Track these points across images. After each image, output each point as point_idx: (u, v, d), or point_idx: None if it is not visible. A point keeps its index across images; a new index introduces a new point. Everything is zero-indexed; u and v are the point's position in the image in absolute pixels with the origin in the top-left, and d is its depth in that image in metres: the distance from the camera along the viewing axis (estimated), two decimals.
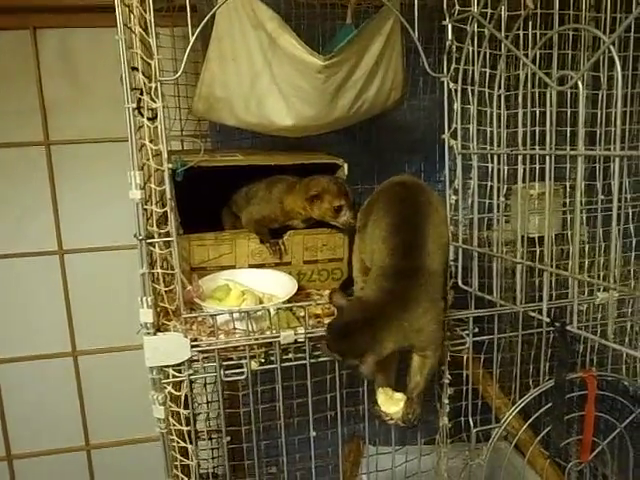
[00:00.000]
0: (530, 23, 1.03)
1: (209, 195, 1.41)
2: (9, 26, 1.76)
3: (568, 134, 1.08)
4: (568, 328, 0.88)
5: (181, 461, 1.10)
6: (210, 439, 1.71)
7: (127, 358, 1.97)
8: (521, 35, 1.05)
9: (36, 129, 1.82)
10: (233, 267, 1.28)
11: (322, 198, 1.22)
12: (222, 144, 1.73)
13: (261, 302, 1.16)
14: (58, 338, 1.94)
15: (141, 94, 1.00)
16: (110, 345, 1.97)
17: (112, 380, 1.98)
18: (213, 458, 1.68)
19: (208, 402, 1.63)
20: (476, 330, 1.16)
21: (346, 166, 1.31)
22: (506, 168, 1.08)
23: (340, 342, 0.94)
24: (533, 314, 0.97)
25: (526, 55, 1.01)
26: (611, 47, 0.70)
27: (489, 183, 1.09)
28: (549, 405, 1.16)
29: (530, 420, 1.22)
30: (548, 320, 0.92)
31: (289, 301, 1.14)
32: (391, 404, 0.98)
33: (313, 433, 1.12)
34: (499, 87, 1.01)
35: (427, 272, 0.98)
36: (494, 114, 1.02)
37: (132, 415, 2.01)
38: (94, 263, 1.92)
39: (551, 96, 0.86)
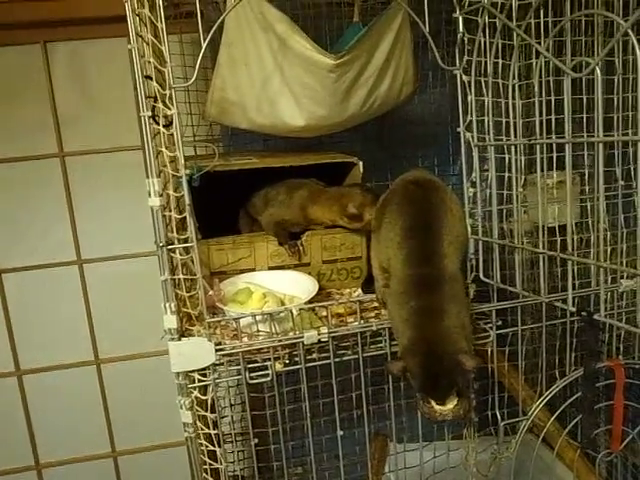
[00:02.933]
0: (541, 11, 1.02)
1: (223, 199, 1.41)
2: (19, 41, 1.78)
3: (585, 121, 1.07)
4: (595, 317, 0.88)
5: (210, 465, 1.10)
6: (235, 442, 1.72)
7: (149, 364, 1.99)
8: (532, 24, 1.04)
9: (50, 142, 1.84)
10: (252, 270, 1.28)
11: (363, 213, 1.21)
12: (234, 148, 1.74)
13: (283, 304, 1.17)
14: (80, 347, 1.96)
15: (155, 102, 1.01)
16: (132, 352, 1.99)
17: (136, 387, 2.00)
18: (239, 460, 1.68)
19: (231, 405, 1.64)
20: (499, 323, 1.16)
21: (361, 164, 1.31)
22: (523, 158, 1.07)
23: (437, 390, 0.94)
24: (558, 304, 0.96)
25: (539, 44, 1.00)
26: (629, 31, 0.69)
27: (506, 174, 1.08)
28: (577, 395, 1.15)
29: (558, 412, 1.21)
30: (574, 309, 0.91)
31: (311, 301, 1.15)
32: (447, 402, 0.97)
33: (340, 432, 1.12)
34: (513, 77, 1.00)
35: (448, 276, 0.98)
36: (510, 104, 1.01)
37: (157, 421, 2.02)
38: (113, 271, 1.93)
39: (567, 84, 0.85)
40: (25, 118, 1.81)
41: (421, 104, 1.81)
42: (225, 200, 1.43)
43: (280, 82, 1.19)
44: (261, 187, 1.44)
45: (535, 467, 1.31)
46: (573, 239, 1.01)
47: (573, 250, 0.94)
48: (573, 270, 0.98)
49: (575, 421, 1.22)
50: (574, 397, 1.19)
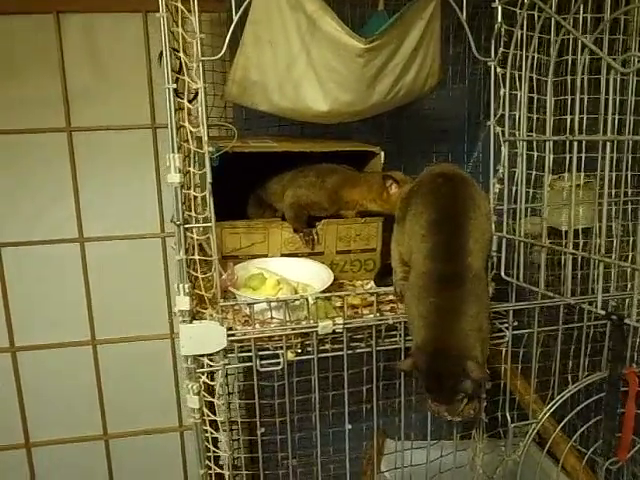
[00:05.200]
0: (581, 7, 1.00)
1: (231, 184, 1.38)
2: (32, 10, 1.73)
3: (616, 121, 1.04)
4: (626, 321, 0.86)
5: (214, 451, 1.07)
6: (231, 430, 1.69)
7: (147, 348, 1.96)
8: (571, 19, 1.01)
9: (58, 115, 1.79)
10: (265, 256, 1.25)
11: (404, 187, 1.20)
12: (248, 132, 1.70)
13: (296, 292, 1.14)
14: (77, 327, 1.92)
15: (179, 74, 0.97)
16: (129, 334, 1.95)
17: (131, 369, 1.97)
18: (236, 449, 1.65)
19: (229, 393, 1.61)
20: (515, 324, 1.13)
21: (382, 154, 1.28)
22: (552, 156, 1.04)
23: (439, 392, 0.93)
24: (585, 306, 0.94)
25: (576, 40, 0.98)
26: None
27: (533, 172, 1.06)
28: (587, 402, 1.14)
29: (567, 418, 1.19)
30: (603, 312, 0.89)
31: (324, 291, 1.12)
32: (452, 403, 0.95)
33: (349, 426, 1.09)
34: (549, 73, 0.97)
35: (471, 273, 0.96)
36: (547, 100, 0.98)
37: (151, 405, 2.00)
38: (114, 251, 1.89)
39: (612, 80, 0.82)
40: (34, 89, 1.77)
41: (439, 99, 1.78)
42: (233, 185, 1.39)
43: (306, 64, 1.16)
44: (275, 173, 1.41)
45: (530, 471, 1.29)
46: (600, 241, 0.99)
47: (599, 252, 0.92)
48: (598, 272, 0.96)
49: (583, 429, 1.20)
50: (585, 403, 1.17)
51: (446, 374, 0.91)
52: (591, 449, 1.18)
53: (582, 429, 1.17)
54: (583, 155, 1.06)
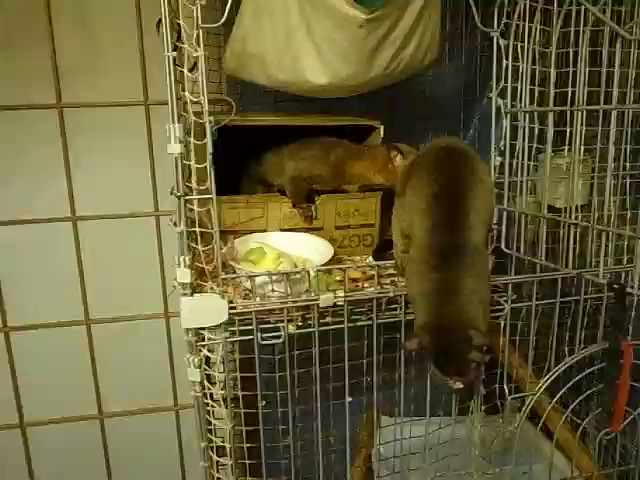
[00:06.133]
0: None
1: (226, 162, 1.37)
2: None
3: (616, 93, 1.04)
4: (629, 290, 0.87)
5: (215, 425, 1.07)
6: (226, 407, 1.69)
7: (141, 327, 1.95)
8: None
9: (48, 91, 1.75)
10: (264, 231, 1.25)
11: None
12: (243, 109, 1.68)
13: (296, 267, 1.13)
14: (71, 306, 1.90)
15: (178, 41, 0.95)
16: (123, 314, 1.94)
17: (126, 349, 1.96)
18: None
19: (230, 370, 1.61)
20: (514, 297, 1.14)
21: (382, 129, 1.28)
22: (553, 130, 1.04)
23: (451, 367, 0.93)
24: (589, 277, 0.94)
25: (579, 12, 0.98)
26: None
27: (535, 145, 1.06)
28: (580, 376, 1.16)
29: (563, 390, 1.21)
30: (605, 282, 0.90)
31: (325, 265, 1.11)
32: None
33: (349, 399, 1.10)
34: (553, 44, 0.97)
35: (471, 248, 0.96)
36: (550, 72, 0.98)
37: (146, 385, 1.99)
38: (108, 230, 1.87)
39: (619, 50, 0.82)
40: (22, 64, 1.72)
41: (435, 77, 1.78)
42: (227, 163, 1.38)
43: (305, 36, 1.14)
44: (270, 149, 1.40)
45: (521, 445, 1.30)
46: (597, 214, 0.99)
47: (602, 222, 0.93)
48: (599, 243, 0.97)
49: (577, 402, 1.22)
50: (580, 376, 1.19)
51: (452, 347, 0.91)
52: (585, 420, 1.20)
53: (576, 402, 1.19)
54: (584, 128, 1.06)
